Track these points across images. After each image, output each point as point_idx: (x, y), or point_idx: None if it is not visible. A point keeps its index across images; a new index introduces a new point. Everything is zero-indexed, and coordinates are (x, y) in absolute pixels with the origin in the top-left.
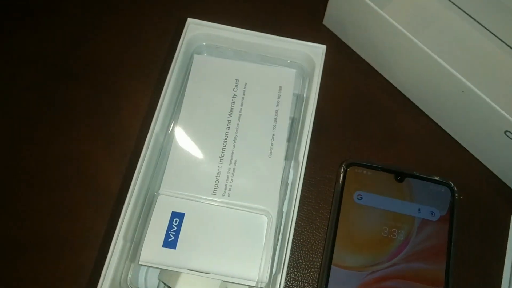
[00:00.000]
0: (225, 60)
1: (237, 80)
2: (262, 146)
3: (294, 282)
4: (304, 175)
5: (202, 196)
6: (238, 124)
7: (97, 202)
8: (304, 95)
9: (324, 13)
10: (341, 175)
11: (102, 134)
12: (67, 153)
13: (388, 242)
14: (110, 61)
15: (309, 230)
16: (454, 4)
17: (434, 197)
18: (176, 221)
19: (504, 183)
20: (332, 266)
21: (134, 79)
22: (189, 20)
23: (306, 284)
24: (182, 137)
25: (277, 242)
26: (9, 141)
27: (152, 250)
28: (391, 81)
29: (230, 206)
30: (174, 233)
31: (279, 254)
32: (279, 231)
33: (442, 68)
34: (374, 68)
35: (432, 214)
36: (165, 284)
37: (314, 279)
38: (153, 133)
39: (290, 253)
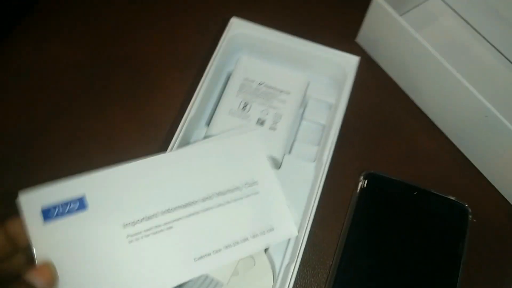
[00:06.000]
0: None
1: None
2: None
3: (303, 280)
4: (325, 179)
5: None
6: None
7: None
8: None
9: (358, 31)
10: (360, 184)
11: (135, 118)
12: (100, 130)
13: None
14: (152, 53)
15: (323, 232)
16: (484, 38)
17: (448, 216)
18: None
19: None
20: (341, 271)
21: (172, 72)
22: (233, 19)
23: (313, 283)
24: None
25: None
26: (48, 112)
27: None
28: (415, 101)
29: None
30: None
31: (294, 246)
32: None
33: (469, 93)
34: (400, 87)
35: (444, 232)
36: None
37: (323, 279)
38: (184, 124)
39: (303, 251)
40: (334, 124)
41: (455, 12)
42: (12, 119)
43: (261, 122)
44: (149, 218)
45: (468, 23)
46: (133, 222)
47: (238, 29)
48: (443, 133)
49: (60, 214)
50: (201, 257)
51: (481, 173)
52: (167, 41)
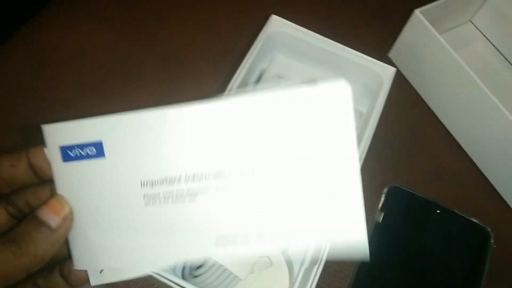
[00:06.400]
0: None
1: None
2: None
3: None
4: None
5: None
6: None
7: None
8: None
9: (391, 46)
10: (383, 197)
11: (162, 105)
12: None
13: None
14: (186, 43)
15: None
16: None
17: (469, 238)
18: None
19: None
20: (358, 283)
21: (205, 64)
22: (273, 16)
23: None
24: None
25: None
26: (74, 90)
27: None
28: (443, 121)
29: None
30: None
31: (314, 249)
32: None
33: (505, 118)
34: (428, 106)
35: (465, 254)
36: None
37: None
38: None
39: None
40: (366, 133)
41: (487, 39)
42: (38, 94)
43: None
44: (170, 181)
45: (499, 51)
46: (152, 181)
47: (278, 27)
48: (468, 155)
49: (78, 157)
50: (224, 243)
51: (504, 200)
52: (203, 32)
